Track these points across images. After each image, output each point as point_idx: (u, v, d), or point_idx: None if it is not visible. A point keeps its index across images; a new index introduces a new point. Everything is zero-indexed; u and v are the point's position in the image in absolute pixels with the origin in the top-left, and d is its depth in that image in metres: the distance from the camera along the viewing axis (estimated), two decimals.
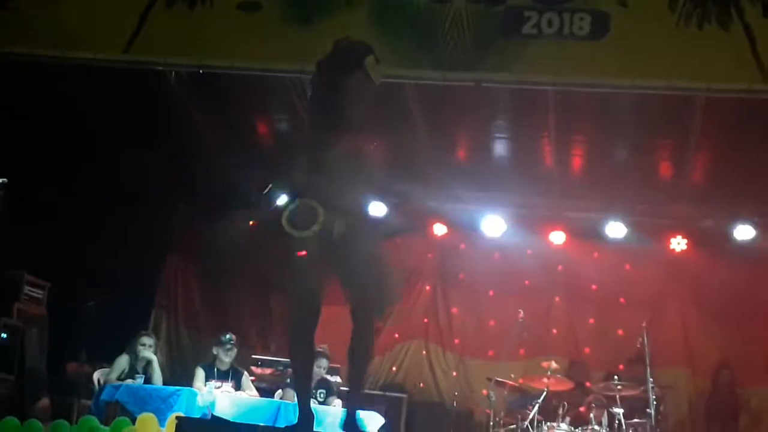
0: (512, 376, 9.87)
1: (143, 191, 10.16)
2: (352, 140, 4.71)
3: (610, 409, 9.03)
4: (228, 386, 8.95)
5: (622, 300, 11.16)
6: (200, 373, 9.12)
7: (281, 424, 7.90)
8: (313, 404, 8.34)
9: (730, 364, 10.20)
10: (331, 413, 8.44)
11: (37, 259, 9.28)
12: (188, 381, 9.18)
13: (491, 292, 11.42)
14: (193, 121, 9.23)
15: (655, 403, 8.84)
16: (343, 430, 4.83)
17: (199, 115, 9.22)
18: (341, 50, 4.80)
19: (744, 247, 10.18)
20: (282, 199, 10.28)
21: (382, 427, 8.70)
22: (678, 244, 10.66)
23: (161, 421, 7.54)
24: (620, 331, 10.89)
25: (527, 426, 8.92)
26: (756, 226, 10.01)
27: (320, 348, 9.62)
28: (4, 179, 8.53)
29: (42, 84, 8.50)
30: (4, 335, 8.85)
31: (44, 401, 9.10)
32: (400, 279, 11.20)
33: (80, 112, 8.97)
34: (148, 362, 9.03)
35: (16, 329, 9.03)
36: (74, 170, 9.61)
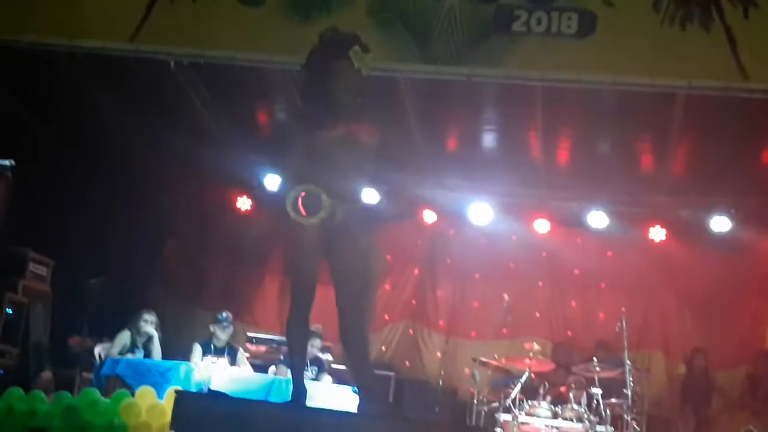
0: (496, 356, 10.05)
1: (146, 173, 10.32)
2: (342, 127, 4.90)
3: (589, 390, 9.16)
4: (224, 362, 9.12)
5: (602, 285, 11.36)
6: (197, 349, 9.30)
7: (274, 399, 8.14)
8: (306, 381, 8.69)
9: (704, 348, 10.41)
10: (322, 389, 8.72)
11: (42, 237, 9.46)
12: (185, 356, 9.45)
13: (477, 276, 11.58)
14: (196, 108, 9.42)
15: (631, 384, 8.99)
16: (291, 399, 5.02)
17: (200, 103, 9.39)
18: (326, 41, 5.04)
19: (720, 237, 10.35)
20: (277, 183, 10.63)
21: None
22: (657, 233, 10.82)
23: (159, 394, 7.68)
24: (601, 315, 11.13)
25: (509, 404, 9.01)
26: (732, 217, 10.18)
27: (314, 328, 9.88)
28: (12, 161, 8.79)
29: (50, 70, 8.68)
30: (9, 311, 9.02)
31: (47, 374, 9.27)
32: (383, 268, 11.52)
33: (87, 97, 9.14)
34: (149, 338, 9.21)
35: (21, 305, 9.21)
36: (79, 153, 9.81)
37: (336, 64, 4.94)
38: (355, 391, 5.70)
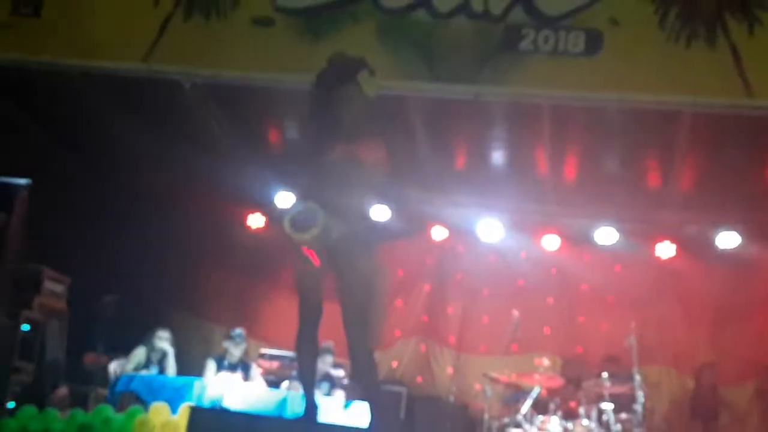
0: (506, 372, 10.03)
1: (160, 191, 10.44)
2: (349, 147, 4.97)
3: (600, 405, 9.24)
4: (237, 378, 9.24)
5: (611, 300, 11.38)
6: (211, 365, 9.43)
7: (288, 415, 8.26)
8: (318, 397, 8.76)
9: (713, 363, 10.44)
10: (334, 405, 8.79)
11: (58, 255, 9.54)
12: (199, 373, 9.55)
13: (486, 292, 11.64)
14: (209, 127, 9.48)
15: (641, 399, 9.04)
16: (303, 415, 5.09)
17: (214, 122, 9.44)
18: (335, 65, 5.15)
19: (727, 253, 10.42)
20: (288, 201, 10.74)
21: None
22: (665, 249, 10.87)
23: (173, 410, 7.81)
24: (610, 330, 11.06)
25: (520, 419, 9.10)
26: (740, 233, 10.24)
27: (326, 344, 9.95)
28: (28, 180, 8.92)
29: (65, 90, 8.79)
30: (26, 327, 9.07)
31: (62, 390, 9.38)
32: (390, 284, 11.56)
33: (101, 116, 9.23)
34: (164, 354, 9.34)
35: (37, 322, 9.26)
36: (95, 172, 9.93)
37: (344, 88, 5.04)
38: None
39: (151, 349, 9.36)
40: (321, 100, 5.14)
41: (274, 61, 7.90)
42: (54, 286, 9.64)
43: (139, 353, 9.32)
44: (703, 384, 10.28)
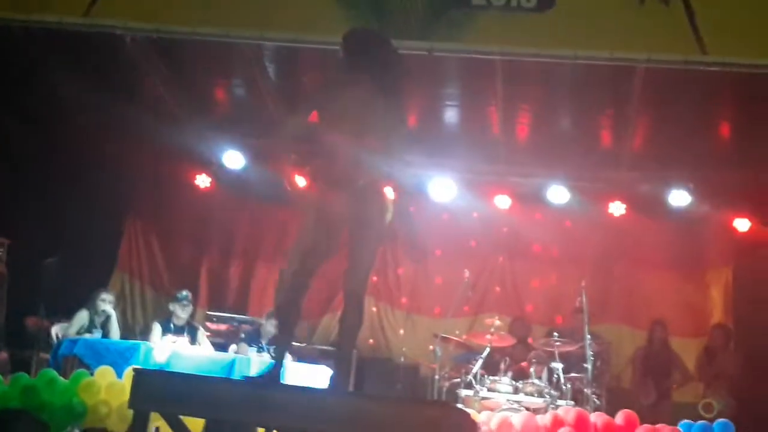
0: (457, 332, 10.13)
1: (103, 151, 10.17)
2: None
3: (550, 365, 9.27)
4: (184, 341, 9.06)
5: (563, 260, 11.37)
6: (157, 328, 9.29)
7: (235, 377, 8.16)
8: (267, 359, 8.66)
9: (664, 320, 10.44)
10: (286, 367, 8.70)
11: None
12: (145, 337, 9.39)
13: (438, 252, 11.51)
14: (153, 84, 9.30)
15: (592, 358, 9.06)
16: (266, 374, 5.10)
17: (157, 79, 9.27)
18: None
19: (679, 211, 10.42)
20: (237, 161, 10.56)
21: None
22: (617, 208, 10.84)
23: (118, 374, 7.65)
24: (560, 290, 11.13)
25: (471, 379, 9.09)
26: (691, 192, 10.25)
27: None
28: None
29: (3, 45, 8.50)
30: None
31: (3, 355, 9.20)
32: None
33: (41, 74, 8.99)
34: (107, 317, 9.17)
35: None
36: (35, 131, 9.66)
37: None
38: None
39: (94, 312, 9.17)
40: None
41: (219, 15, 7.75)
42: None
43: (82, 316, 9.13)
44: (654, 341, 10.32)
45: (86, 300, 9.26)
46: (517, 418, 7.70)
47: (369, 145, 4.91)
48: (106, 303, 9.23)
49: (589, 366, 9.03)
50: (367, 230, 5.00)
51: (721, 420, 7.59)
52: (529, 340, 10.37)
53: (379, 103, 4.95)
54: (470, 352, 9.97)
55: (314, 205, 4.98)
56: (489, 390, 9.05)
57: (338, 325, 5.09)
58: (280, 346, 5.25)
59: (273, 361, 5.14)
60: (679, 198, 10.32)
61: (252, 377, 6.02)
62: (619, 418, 7.56)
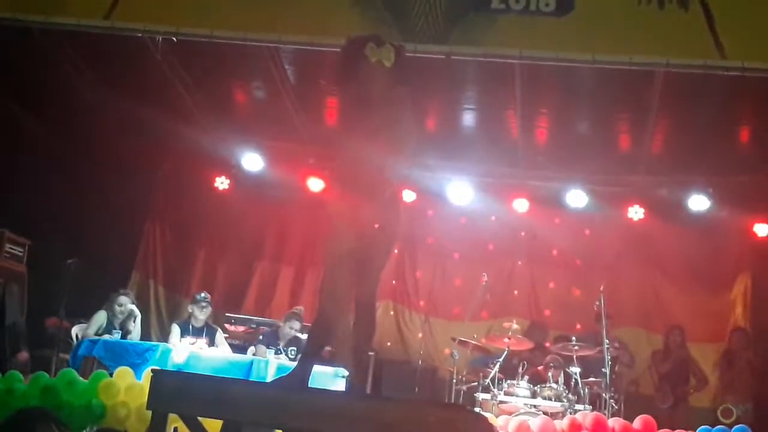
0: (475, 336, 10.07)
1: (124, 153, 10.21)
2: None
3: (567, 369, 9.23)
4: (202, 342, 9.03)
5: (580, 263, 11.35)
6: (175, 330, 9.30)
7: (254, 379, 8.17)
8: (285, 361, 8.68)
9: (681, 325, 10.43)
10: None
11: (19, 217, 9.37)
12: (163, 338, 9.42)
13: (456, 255, 11.54)
14: (172, 87, 9.34)
15: (610, 363, 8.97)
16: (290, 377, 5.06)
17: (178, 81, 9.31)
18: (342, 48, 5.19)
19: (698, 215, 10.39)
20: (256, 163, 10.58)
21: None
22: (635, 212, 10.83)
23: (137, 375, 7.66)
24: (578, 294, 11.13)
25: (488, 383, 9.06)
26: (710, 196, 10.23)
27: (296, 309, 9.90)
28: None
29: (26, 48, 8.57)
30: None
31: (24, 354, 9.21)
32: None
33: (63, 76, 9.04)
34: (131, 316, 9.22)
35: None
36: (57, 132, 9.71)
37: (356, 64, 5.01)
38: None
39: (112, 313, 9.20)
40: (345, 85, 5.18)
41: (237, 18, 7.72)
42: (14, 249, 9.47)
43: (100, 317, 9.16)
44: (672, 346, 10.29)
45: (105, 301, 9.29)
46: (534, 422, 7.68)
47: (397, 154, 4.92)
48: (129, 302, 9.28)
49: (607, 370, 8.98)
50: (384, 237, 4.96)
51: (739, 425, 7.55)
52: (547, 344, 10.33)
53: (408, 114, 4.98)
54: (488, 356, 9.93)
55: (343, 213, 4.97)
56: (506, 394, 9.02)
57: (353, 330, 5.07)
58: (315, 348, 5.16)
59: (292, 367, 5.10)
60: (698, 202, 10.29)
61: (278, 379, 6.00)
62: (638, 422, 7.54)
